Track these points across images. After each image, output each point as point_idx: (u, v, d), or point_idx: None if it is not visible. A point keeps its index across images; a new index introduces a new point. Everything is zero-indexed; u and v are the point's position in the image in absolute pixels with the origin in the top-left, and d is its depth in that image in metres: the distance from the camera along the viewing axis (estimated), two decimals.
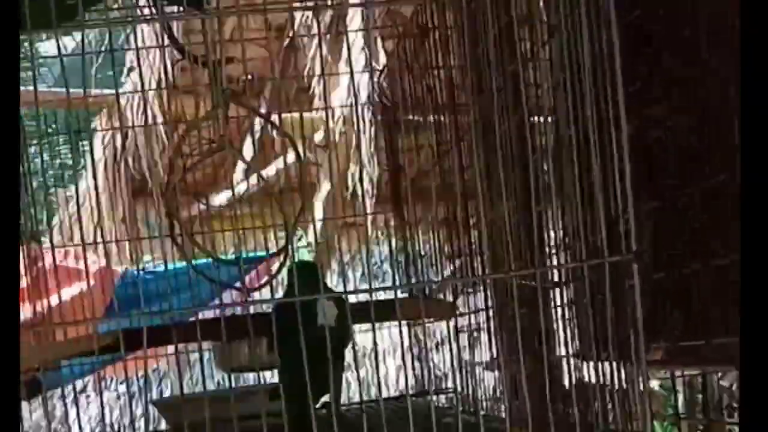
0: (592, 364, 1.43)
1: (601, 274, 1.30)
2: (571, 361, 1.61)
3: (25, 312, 2.05)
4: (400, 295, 1.90)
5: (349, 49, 2.31)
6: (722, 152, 1.25)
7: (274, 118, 2.04)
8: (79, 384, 4.19)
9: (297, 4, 2.30)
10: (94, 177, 3.64)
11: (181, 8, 2.29)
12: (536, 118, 1.74)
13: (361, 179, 3.21)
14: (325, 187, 3.25)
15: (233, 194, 2.92)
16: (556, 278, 1.63)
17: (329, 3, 2.06)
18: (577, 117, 1.37)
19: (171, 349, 3.58)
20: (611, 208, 1.35)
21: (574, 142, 1.38)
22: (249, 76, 2.82)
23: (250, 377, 3.23)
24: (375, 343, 1.46)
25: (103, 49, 4.05)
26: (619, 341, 1.31)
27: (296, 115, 2.74)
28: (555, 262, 1.70)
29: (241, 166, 3.69)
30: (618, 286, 1.36)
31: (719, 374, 1.82)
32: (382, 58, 2.96)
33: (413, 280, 2.30)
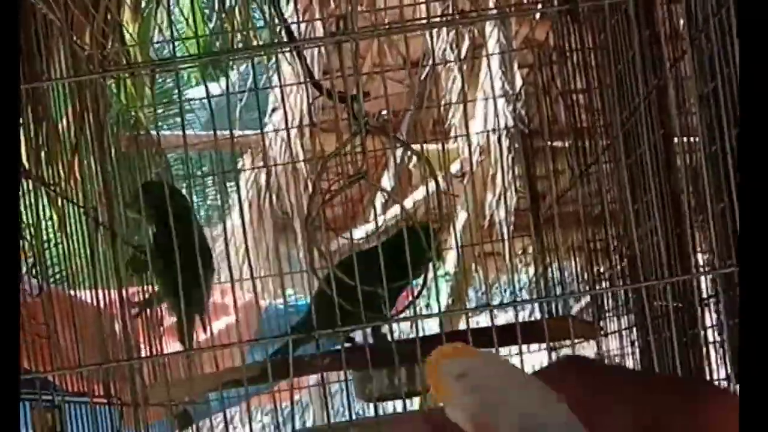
0: None
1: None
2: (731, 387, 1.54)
3: (178, 346, 2.12)
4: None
5: (490, 70, 2.32)
6: None
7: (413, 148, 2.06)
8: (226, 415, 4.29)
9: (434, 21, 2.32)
10: (241, 216, 3.77)
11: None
12: (679, 138, 1.69)
13: (498, 207, 3.20)
14: (462, 216, 3.25)
15: (376, 226, 2.96)
16: (704, 295, 1.57)
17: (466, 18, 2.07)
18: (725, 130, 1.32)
19: (312, 380, 3.64)
20: None
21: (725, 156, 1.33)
22: (386, 112, 2.87)
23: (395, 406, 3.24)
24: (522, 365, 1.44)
25: (245, 89, 4.19)
26: None
27: (432, 146, 2.76)
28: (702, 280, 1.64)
29: (379, 201, 3.74)
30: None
31: None
32: (519, 84, 2.95)
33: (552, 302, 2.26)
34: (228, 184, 4.88)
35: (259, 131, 4.00)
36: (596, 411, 0.31)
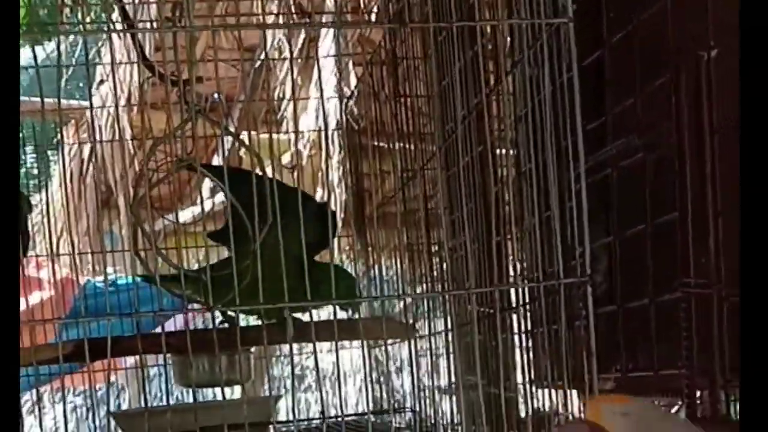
0: (547, 391, 1.47)
1: (557, 297, 1.34)
2: (527, 388, 1.64)
3: None
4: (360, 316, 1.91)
5: (320, 71, 2.34)
6: (675, 190, 1.29)
7: (243, 138, 2.06)
8: (35, 394, 4.14)
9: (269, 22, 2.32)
10: (61, 187, 3.63)
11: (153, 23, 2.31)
12: (498, 150, 1.78)
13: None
14: None
15: (202, 210, 2.92)
16: (514, 303, 1.66)
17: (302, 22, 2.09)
18: (537, 150, 1.41)
19: (130, 362, 3.56)
20: (567, 237, 1.39)
21: (534, 174, 1.42)
22: (218, 95, 2.84)
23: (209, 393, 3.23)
24: (338, 360, 1.48)
25: (74, 61, 4.05)
26: (574, 368, 1.35)
27: (264, 136, 2.76)
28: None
29: (207, 184, 3.70)
30: (571, 317, 1.40)
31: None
32: (353, 83, 2.99)
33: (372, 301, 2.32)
34: (49, 154, 4.69)
35: (84, 102, 3.87)
36: None
